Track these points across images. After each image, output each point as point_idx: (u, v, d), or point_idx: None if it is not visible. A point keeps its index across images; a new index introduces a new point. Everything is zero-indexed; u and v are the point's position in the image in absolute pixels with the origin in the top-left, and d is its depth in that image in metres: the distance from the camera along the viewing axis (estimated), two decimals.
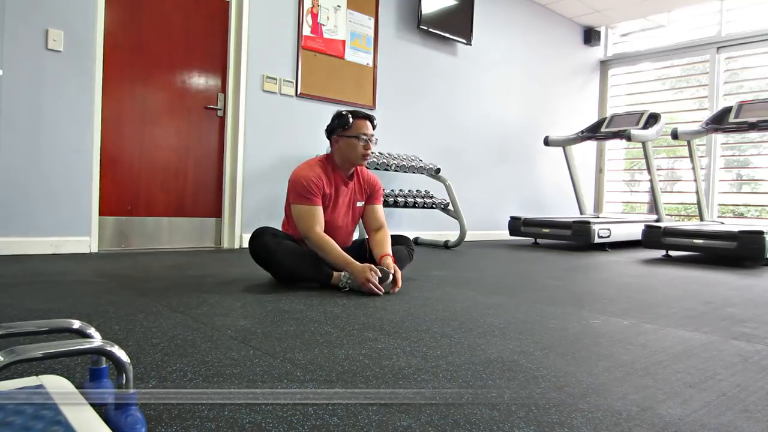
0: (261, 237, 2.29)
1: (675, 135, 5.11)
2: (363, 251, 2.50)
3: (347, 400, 1.05)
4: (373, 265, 2.23)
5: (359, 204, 2.54)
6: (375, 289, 2.17)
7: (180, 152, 3.80)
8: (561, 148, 5.96)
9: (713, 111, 5.74)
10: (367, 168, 4.13)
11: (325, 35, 4.37)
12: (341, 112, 2.39)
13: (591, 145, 7.01)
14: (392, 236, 2.57)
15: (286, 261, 2.27)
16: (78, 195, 3.27)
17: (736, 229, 4.08)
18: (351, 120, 2.35)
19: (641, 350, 1.51)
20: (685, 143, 5.35)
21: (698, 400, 1.13)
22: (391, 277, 2.25)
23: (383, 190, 4.34)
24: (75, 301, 1.87)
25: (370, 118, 2.42)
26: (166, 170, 3.74)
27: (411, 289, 2.39)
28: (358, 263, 2.23)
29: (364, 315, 1.82)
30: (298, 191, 2.30)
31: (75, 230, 3.27)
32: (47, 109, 3.15)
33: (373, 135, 2.40)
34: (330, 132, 2.41)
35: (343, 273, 2.28)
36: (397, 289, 2.27)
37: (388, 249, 2.41)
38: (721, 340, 1.68)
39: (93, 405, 0.87)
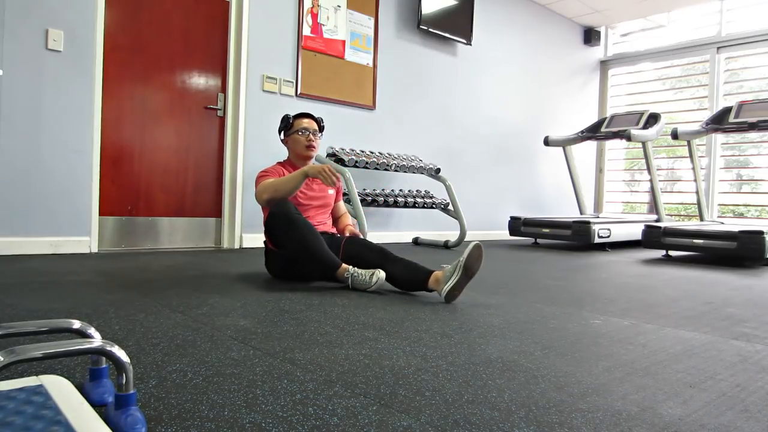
0: (286, 205, 2.32)
1: (675, 135, 5.11)
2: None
3: (347, 400, 1.05)
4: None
5: (330, 191, 2.71)
6: (331, 174, 2.22)
7: (180, 152, 3.80)
8: (561, 148, 5.96)
9: (713, 111, 5.75)
10: (367, 168, 4.15)
11: (325, 35, 4.37)
12: (285, 114, 2.66)
13: (591, 145, 7.01)
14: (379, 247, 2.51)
15: (305, 233, 2.27)
16: (78, 195, 3.27)
17: (736, 229, 4.08)
18: (291, 120, 2.64)
19: (641, 350, 1.51)
20: (685, 143, 5.35)
21: (698, 400, 1.13)
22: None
23: (383, 190, 4.37)
24: (75, 301, 1.87)
25: (313, 117, 2.68)
26: (166, 170, 3.74)
27: None
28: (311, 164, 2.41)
29: (364, 315, 1.82)
30: (256, 181, 2.50)
31: (75, 230, 3.27)
32: (47, 109, 3.15)
33: (316, 131, 2.64)
34: (281, 136, 2.69)
35: (350, 266, 2.29)
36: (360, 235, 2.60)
37: (350, 222, 2.75)
38: (721, 340, 1.68)
39: (93, 405, 0.87)
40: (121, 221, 3.56)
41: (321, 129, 2.69)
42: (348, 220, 2.76)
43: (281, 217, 2.29)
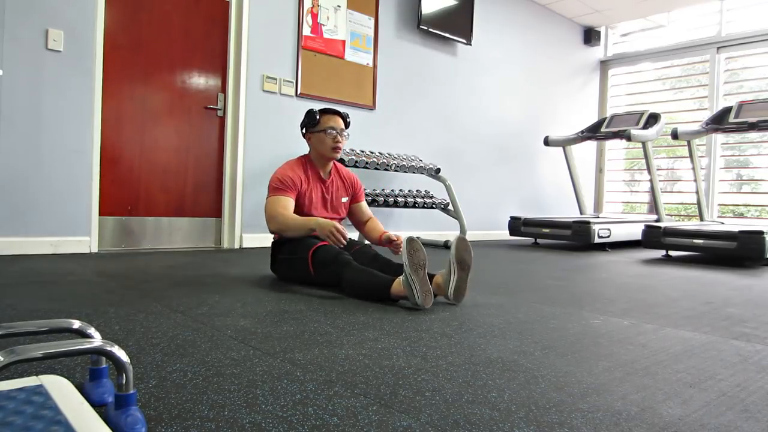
0: (331, 250, 2.26)
1: (675, 135, 5.11)
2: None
3: (347, 400, 1.05)
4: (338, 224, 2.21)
5: (344, 200, 2.61)
6: (340, 239, 2.14)
7: (180, 152, 3.80)
8: (561, 148, 5.96)
9: (713, 111, 5.74)
10: (367, 168, 4.14)
11: (325, 35, 4.37)
12: (311, 109, 2.48)
13: (591, 145, 7.01)
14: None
15: (356, 273, 2.15)
16: (78, 195, 3.27)
17: (736, 229, 4.08)
18: (318, 116, 2.44)
19: (641, 350, 1.51)
20: (685, 143, 5.35)
21: (698, 400, 1.13)
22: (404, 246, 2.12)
23: (383, 190, 4.37)
24: (75, 301, 1.87)
25: (340, 114, 2.49)
26: (166, 170, 3.74)
27: None
28: (322, 218, 2.28)
29: (364, 315, 1.82)
30: (273, 186, 2.40)
31: (75, 230, 3.27)
32: (47, 109, 3.15)
33: (343, 129, 2.47)
34: (303, 130, 2.52)
35: (402, 275, 1.99)
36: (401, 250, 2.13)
37: (383, 228, 2.52)
38: (721, 340, 1.68)
39: (93, 405, 0.87)
40: (121, 221, 3.56)
41: (347, 125, 2.52)
42: (379, 225, 2.55)
43: (333, 262, 2.21)
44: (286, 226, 2.31)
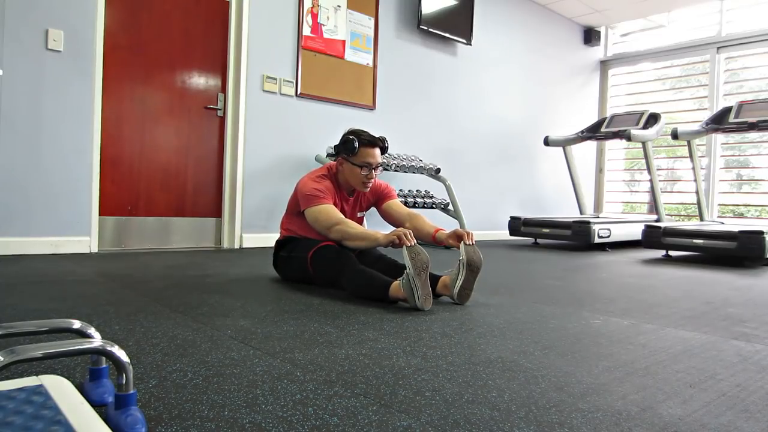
0: (331, 249, 2.22)
1: (675, 135, 5.11)
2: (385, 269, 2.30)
3: (347, 400, 1.05)
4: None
5: (359, 215, 2.53)
6: (405, 238, 1.97)
7: (180, 152, 3.80)
8: (561, 148, 5.96)
9: (713, 111, 5.74)
10: None
11: (325, 35, 4.37)
12: (350, 135, 2.31)
13: (591, 145, 7.01)
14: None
15: (356, 273, 2.11)
16: (78, 195, 3.27)
17: (736, 229, 4.08)
18: (357, 146, 2.28)
19: (641, 350, 1.51)
20: (685, 143, 5.35)
21: (698, 400, 1.13)
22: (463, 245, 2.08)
23: None
24: (75, 301, 1.87)
25: (379, 144, 2.34)
26: (166, 170, 3.74)
27: None
28: (382, 233, 2.12)
29: (364, 315, 1.82)
30: (309, 195, 2.27)
31: (75, 230, 3.27)
32: (47, 109, 3.15)
33: (379, 164, 2.33)
34: (337, 152, 2.38)
35: (402, 277, 1.97)
36: (471, 240, 2.09)
37: (432, 224, 2.32)
38: (721, 340, 1.68)
39: (93, 405, 0.87)
40: (121, 221, 3.56)
41: (383, 151, 2.36)
42: (427, 222, 2.33)
43: (332, 261, 2.18)
44: (349, 235, 2.17)
